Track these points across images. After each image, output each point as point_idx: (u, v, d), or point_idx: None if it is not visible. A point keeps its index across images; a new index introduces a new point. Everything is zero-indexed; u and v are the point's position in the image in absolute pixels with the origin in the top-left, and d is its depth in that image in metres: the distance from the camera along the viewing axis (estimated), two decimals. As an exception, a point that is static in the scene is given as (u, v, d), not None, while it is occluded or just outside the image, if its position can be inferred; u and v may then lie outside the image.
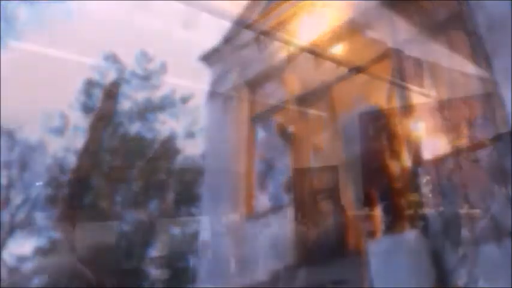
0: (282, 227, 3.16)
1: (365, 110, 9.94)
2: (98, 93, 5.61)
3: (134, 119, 6.23)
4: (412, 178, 8.39)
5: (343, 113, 9.90)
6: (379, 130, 9.88)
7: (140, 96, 5.91)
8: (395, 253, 3.86)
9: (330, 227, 4.21)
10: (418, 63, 8.91)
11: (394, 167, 9.77)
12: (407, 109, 9.48)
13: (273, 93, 7.67)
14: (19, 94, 5.29)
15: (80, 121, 5.91)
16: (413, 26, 5.11)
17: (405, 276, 3.80)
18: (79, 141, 6.01)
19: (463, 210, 5.99)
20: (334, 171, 10.19)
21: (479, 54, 6.34)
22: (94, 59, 5.42)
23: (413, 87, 8.63)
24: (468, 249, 2.01)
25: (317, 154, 10.05)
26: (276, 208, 3.23)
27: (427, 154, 9.36)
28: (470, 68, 7.22)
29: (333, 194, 4.78)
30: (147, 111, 6.25)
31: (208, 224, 7.80)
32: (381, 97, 9.58)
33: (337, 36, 6.85)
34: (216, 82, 6.58)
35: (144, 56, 5.41)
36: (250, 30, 5.72)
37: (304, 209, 8.06)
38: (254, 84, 7.17)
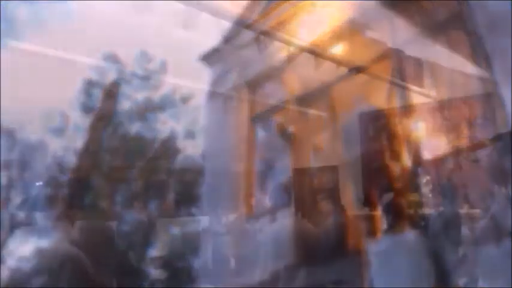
0: (282, 227, 3.16)
1: (365, 110, 9.94)
2: (98, 93, 5.60)
3: (134, 119, 6.23)
4: (412, 178, 8.40)
5: (343, 113, 9.90)
6: (379, 130, 9.88)
7: (140, 96, 5.91)
8: (395, 253, 3.86)
9: (330, 227, 4.21)
10: (418, 63, 8.92)
11: (394, 167, 9.77)
12: (407, 109, 9.49)
13: (273, 93, 7.67)
14: (19, 94, 5.29)
15: (80, 121, 5.91)
16: (413, 26, 5.10)
17: (405, 276, 3.80)
18: (79, 141, 6.00)
19: (463, 210, 5.99)
20: (334, 171, 10.20)
21: (479, 54, 6.34)
22: (94, 59, 5.41)
23: (413, 87, 8.64)
24: (468, 249, 2.01)
25: (317, 154, 10.05)
26: (276, 208, 3.23)
27: (427, 154, 9.38)
28: (470, 68, 7.22)
29: (333, 194, 4.79)
30: (147, 111, 6.24)
31: (208, 224, 7.80)
32: (380, 97, 9.58)
33: (337, 36, 6.85)
34: (216, 82, 6.59)
35: (144, 56, 5.41)
36: (250, 30, 5.72)
37: (304, 209, 8.06)
38: (254, 84, 7.17)
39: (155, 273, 7.80)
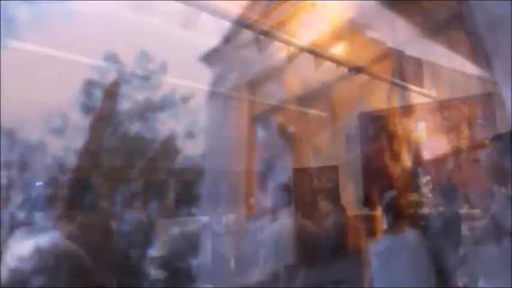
0: (282, 226, 3.16)
1: (365, 110, 9.95)
2: (98, 93, 5.60)
3: (134, 119, 6.22)
4: (412, 178, 8.41)
5: (343, 113, 9.90)
6: (379, 130, 9.89)
7: (140, 96, 5.91)
8: (396, 253, 3.86)
9: (330, 227, 4.21)
10: (418, 63, 8.93)
11: (394, 167, 9.78)
12: (407, 109, 9.50)
13: (273, 93, 7.67)
14: (19, 94, 5.28)
15: (80, 121, 5.91)
16: (413, 26, 5.10)
17: (405, 276, 3.79)
18: (79, 141, 5.99)
19: (463, 210, 6.00)
20: (334, 171, 10.21)
21: (479, 54, 6.33)
22: (94, 59, 5.40)
23: (413, 87, 8.64)
24: (468, 249, 2.01)
25: (317, 154, 10.06)
26: (276, 208, 3.23)
27: (427, 154, 9.38)
28: (470, 68, 7.22)
29: (333, 194, 4.79)
30: (147, 111, 6.24)
31: (208, 224, 7.80)
32: (381, 97, 9.59)
33: (337, 36, 6.85)
34: (216, 82, 6.58)
35: (144, 56, 5.41)
36: (250, 30, 5.72)
37: (304, 209, 8.07)
38: (254, 84, 7.18)
39: (155, 273, 7.80)
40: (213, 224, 7.81)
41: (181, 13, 5.44)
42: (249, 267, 7.23)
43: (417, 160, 9.41)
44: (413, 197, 6.80)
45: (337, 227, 4.20)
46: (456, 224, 5.25)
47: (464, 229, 5.19)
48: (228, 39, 6.03)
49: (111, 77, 5.60)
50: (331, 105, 9.12)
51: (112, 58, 5.33)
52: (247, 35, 6.15)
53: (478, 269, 2.10)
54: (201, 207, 8.03)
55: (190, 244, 7.39)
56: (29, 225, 2.14)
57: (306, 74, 7.63)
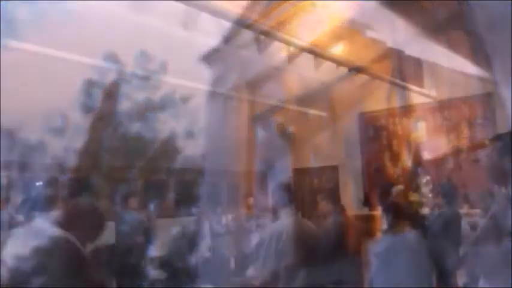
0: (282, 226, 3.16)
1: (365, 110, 9.95)
2: (98, 93, 5.60)
3: (134, 119, 6.22)
4: (412, 178, 8.41)
5: (343, 113, 9.90)
6: (379, 130, 9.89)
7: (140, 96, 5.90)
8: (396, 253, 3.86)
9: (330, 227, 4.21)
10: (418, 63, 8.94)
11: (394, 167, 9.78)
12: (407, 109, 9.50)
13: (273, 93, 7.67)
14: (19, 94, 5.28)
15: (80, 121, 5.91)
16: (413, 26, 5.10)
17: (405, 276, 3.79)
18: (79, 141, 5.99)
19: (463, 210, 6.00)
20: (334, 171, 10.22)
21: (479, 54, 6.33)
22: (94, 59, 5.40)
23: (413, 87, 8.65)
24: (468, 249, 2.01)
25: (317, 154, 10.06)
26: (276, 208, 3.23)
27: (427, 154, 9.38)
28: (470, 68, 7.23)
29: (333, 194, 4.78)
30: (147, 111, 6.24)
31: (208, 224, 7.80)
32: (381, 97, 9.59)
33: (337, 36, 6.85)
34: (216, 82, 6.58)
35: (144, 56, 5.40)
36: (250, 30, 5.71)
37: (304, 209, 8.07)
38: (254, 84, 7.18)
39: (155, 273, 7.80)
40: (213, 224, 7.81)
41: (181, 13, 5.44)
42: (249, 267, 7.23)
43: (417, 160, 9.42)
44: (413, 197, 6.80)
45: (337, 227, 4.20)
46: (456, 224, 5.25)
47: (464, 229, 5.19)
48: (228, 39, 6.03)
49: (111, 77, 5.60)
50: (331, 105, 9.13)
51: (112, 58, 5.32)
52: (247, 35, 6.15)
53: (478, 269, 2.09)
54: (201, 207, 8.03)
55: (190, 244, 7.38)
56: (28, 225, 2.12)
57: (306, 74, 7.63)
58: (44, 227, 2.16)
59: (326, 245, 3.90)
